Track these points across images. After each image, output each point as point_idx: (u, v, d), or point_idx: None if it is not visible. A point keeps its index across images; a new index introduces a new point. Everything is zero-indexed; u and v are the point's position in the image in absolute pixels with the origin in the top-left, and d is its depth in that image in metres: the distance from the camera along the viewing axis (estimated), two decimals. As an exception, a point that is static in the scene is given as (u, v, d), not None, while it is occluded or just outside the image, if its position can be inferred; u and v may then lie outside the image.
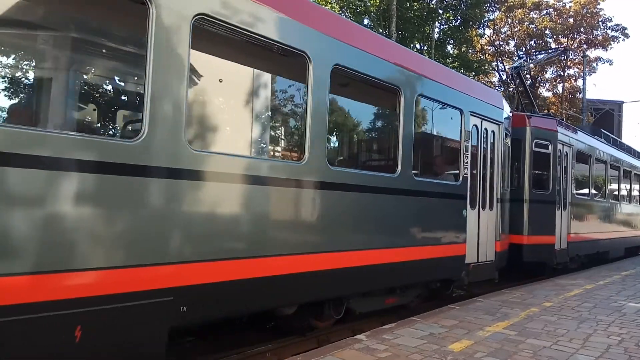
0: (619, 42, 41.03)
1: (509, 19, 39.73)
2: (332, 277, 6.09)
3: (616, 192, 17.50)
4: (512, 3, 38.33)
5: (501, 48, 40.67)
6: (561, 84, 43.96)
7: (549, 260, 12.18)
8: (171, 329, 4.56)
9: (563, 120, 14.68)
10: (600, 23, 40.53)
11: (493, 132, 9.54)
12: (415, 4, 30.10)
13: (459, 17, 32.41)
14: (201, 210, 4.75)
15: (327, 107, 6.00)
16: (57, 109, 4.91)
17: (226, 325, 6.41)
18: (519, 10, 39.46)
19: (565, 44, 37.75)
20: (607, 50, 41.57)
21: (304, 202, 5.78)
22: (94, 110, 5.41)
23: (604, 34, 40.77)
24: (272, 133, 6.60)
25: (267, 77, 6.29)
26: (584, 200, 14.50)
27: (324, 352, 5.26)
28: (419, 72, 7.58)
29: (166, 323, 4.50)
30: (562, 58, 39.37)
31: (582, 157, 14.27)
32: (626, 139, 64.65)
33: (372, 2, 27.52)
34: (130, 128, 5.28)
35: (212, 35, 4.99)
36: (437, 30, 31.22)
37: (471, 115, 8.73)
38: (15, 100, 5.01)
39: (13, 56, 4.96)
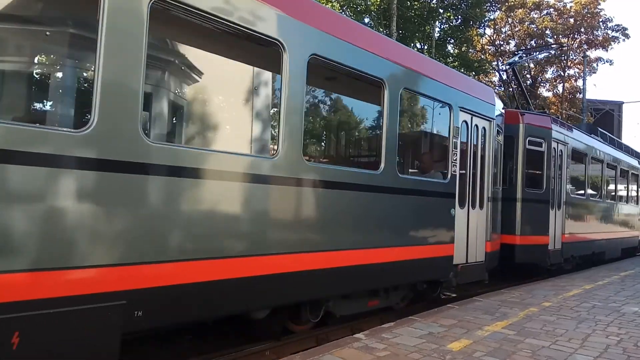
0: (619, 42, 40.46)
1: (509, 19, 39.24)
2: (309, 278, 5.66)
3: (613, 192, 16.95)
4: (512, 3, 37.83)
5: (502, 48, 40.13)
6: (561, 84, 43.39)
7: (542, 261, 11.66)
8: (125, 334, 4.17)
9: (560, 119, 14.11)
10: (600, 23, 39.91)
11: (484, 128, 9.06)
12: (416, 3, 29.92)
13: (459, 17, 32.26)
14: (158, 207, 4.32)
15: (303, 99, 5.57)
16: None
17: (225, 325, 6.17)
18: (520, 10, 38.92)
19: (565, 43, 37.19)
20: (607, 50, 40.98)
21: (276, 200, 5.35)
22: (34, 97, 4.96)
23: (605, 34, 40.13)
24: (243, 125, 6.13)
25: (237, 66, 5.84)
26: (580, 200, 13.96)
27: (322, 351, 5.16)
28: (405, 65, 7.11)
29: (117, 329, 4.10)
30: (563, 58, 38.91)
31: (578, 155, 13.75)
32: (626, 139, 64.09)
33: (372, 1, 27.21)
34: (76, 117, 4.85)
35: (175, 19, 4.57)
36: (437, 29, 31.06)
37: (460, 110, 8.26)
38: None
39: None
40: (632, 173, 18.63)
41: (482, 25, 35.48)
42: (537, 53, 19.77)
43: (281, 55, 5.32)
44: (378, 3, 26.89)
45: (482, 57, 37.61)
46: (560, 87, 43.71)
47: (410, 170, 7.98)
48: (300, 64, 5.50)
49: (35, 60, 5.08)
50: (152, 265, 4.28)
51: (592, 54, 41.05)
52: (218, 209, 4.78)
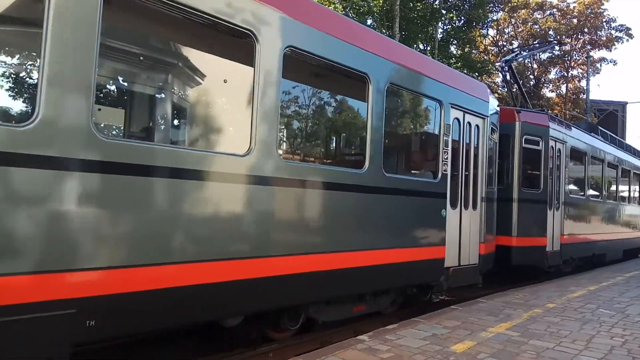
0: (622, 42, 40.00)
1: (512, 20, 38.79)
2: (283, 284, 5.25)
3: (614, 192, 16.37)
4: (515, 3, 37.35)
5: (505, 48, 39.55)
6: (565, 85, 42.78)
7: (540, 263, 11.12)
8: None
9: (558, 117, 13.61)
10: (604, 23, 39.32)
11: (477, 126, 8.59)
12: (419, 4, 29.53)
13: (462, 18, 31.81)
14: (111, 208, 3.92)
15: (278, 93, 5.16)
16: None
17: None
18: (523, 11, 38.42)
19: (564, 40, 36.63)
20: (611, 50, 40.46)
21: (250, 200, 4.93)
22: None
23: (608, 34, 39.54)
24: (212, 121, 5.70)
25: (205, 57, 5.43)
26: (579, 200, 13.38)
27: (326, 353, 5.08)
28: (391, 59, 6.66)
29: (67, 339, 3.73)
30: (566, 58, 38.31)
31: (577, 154, 13.20)
32: (630, 139, 63.18)
33: (375, 2, 26.81)
34: (19, 110, 4.46)
35: (136, 6, 4.18)
36: (440, 30, 30.66)
37: (452, 107, 7.79)
38: None
39: None
40: (634, 173, 18.00)
41: (485, 26, 35.07)
42: (535, 50, 19.24)
43: (254, 46, 4.92)
44: (381, 4, 26.48)
45: (485, 58, 37.05)
46: (563, 88, 43.16)
47: (398, 169, 7.53)
48: (274, 56, 5.10)
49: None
50: (105, 270, 3.90)
51: (596, 54, 40.61)
52: (180, 211, 4.35)
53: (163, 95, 5.27)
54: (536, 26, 39.12)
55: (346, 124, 7.40)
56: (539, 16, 39.35)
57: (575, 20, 39.02)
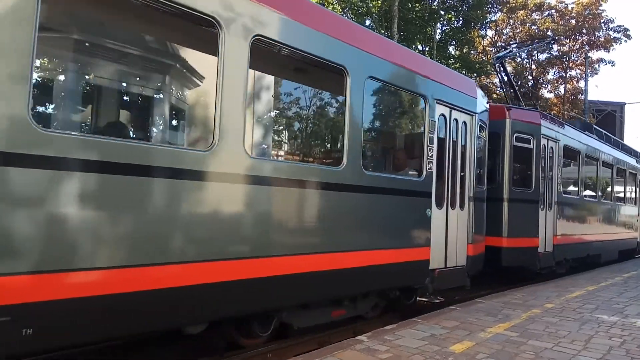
0: (621, 43, 39.29)
1: (510, 20, 38.26)
2: (253, 287, 4.84)
3: (609, 192, 15.88)
4: (514, 4, 36.85)
5: (503, 49, 39.08)
6: (563, 85, 42.24)
7: (531, 264, 10.65)
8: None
9: (551, 115, 13.16)
10: (602, 24, 38.68)
11: (465, 123, 8.13)
12: (417, 5, 29.19)
13: (460, 18, 31.43)
14: (55, 206, 3.54)
15: (244, 84, 4.75)
16: None
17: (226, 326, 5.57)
18: (521, 12, 37.89)
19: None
20: (609, 51, 39.79)
21: (212, 199, 4.53)
22: None
23: (606, 35, 38.90)
24: (172, 114, 5.30)
25: (164, 46, 5.02)
26: (573, 200, 12.88)
27: (325, 353, 5.02)
28: (370, 51, 6.22)
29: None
30: (564, 59, 37.82)
31: (571, 153, 12.70)
32: (628, 140, 62.58)
33: (374, 3, 26.44)
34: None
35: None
36: (438, 31, 30.30)
37: (437, 103, 7.35)
38: None
39: None
40: (630, 172, 17.46)
41: (484, 26, 34.72)
42: (528, 47, 18.82)
43: (217, 34, 4.52)
44: (379, 5, 26.12)
45: (484, 58, 36.58)
46: (562, 89, 42.56)
47: (378, 167, 7.12)
48: (240, 46, 4.69)
49: None
50: (46, 275, 3.51)
51: (594, 55, 40.02)
52: (135, 209, 3.96)
53: (120, 86, 4.87)
54: (534, 27, 38.60)
55: (322, 119, 6.98)
56: (537, 17, 38.81)
57: (573, 21, 38.46)
